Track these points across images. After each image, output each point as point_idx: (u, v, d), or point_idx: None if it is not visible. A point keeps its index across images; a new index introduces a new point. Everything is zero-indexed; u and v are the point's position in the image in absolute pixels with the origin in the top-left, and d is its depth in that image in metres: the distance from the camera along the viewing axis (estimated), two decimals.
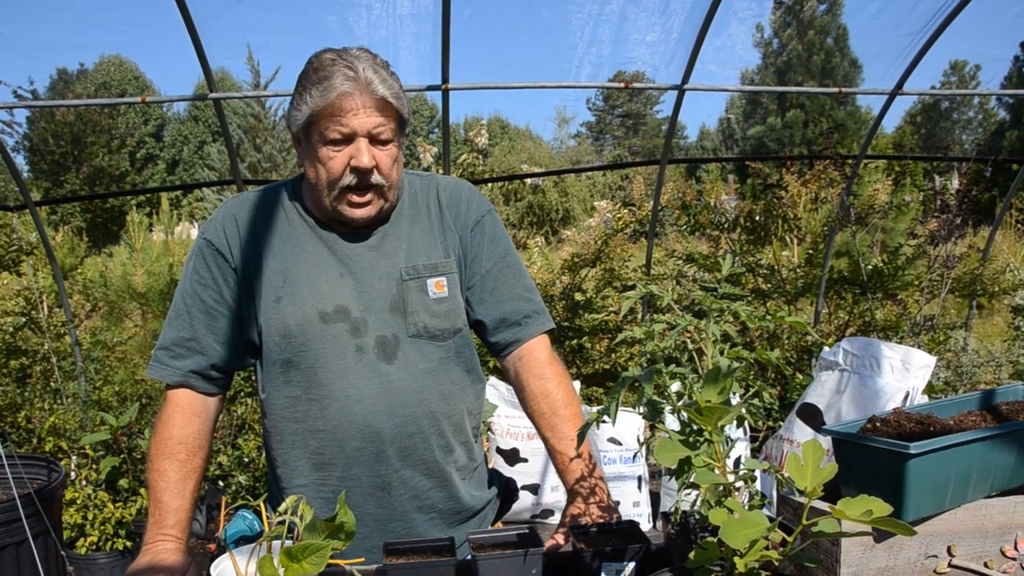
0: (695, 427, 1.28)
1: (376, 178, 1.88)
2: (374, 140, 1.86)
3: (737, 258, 6.28)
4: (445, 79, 5.13)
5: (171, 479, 1.87)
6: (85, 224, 22.89)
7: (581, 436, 1.54)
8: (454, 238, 2.05)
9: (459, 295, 2.04)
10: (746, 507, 1.23)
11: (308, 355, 1.91)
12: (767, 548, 1.19)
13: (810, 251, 6.50)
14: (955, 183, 6.71)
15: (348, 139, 1.84)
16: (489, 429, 5.29)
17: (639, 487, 5.12)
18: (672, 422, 1.45)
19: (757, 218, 6.22)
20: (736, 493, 1.30)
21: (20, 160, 30.70)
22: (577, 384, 5.34)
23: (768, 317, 1.35)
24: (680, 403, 1.37)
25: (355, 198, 1.90)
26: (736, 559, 1.16)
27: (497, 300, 2.08)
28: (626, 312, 6.09)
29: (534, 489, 5.19)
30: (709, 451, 1.25)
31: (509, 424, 5.26)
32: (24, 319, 5.92)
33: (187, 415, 1.95)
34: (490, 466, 4.52)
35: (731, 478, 1.30)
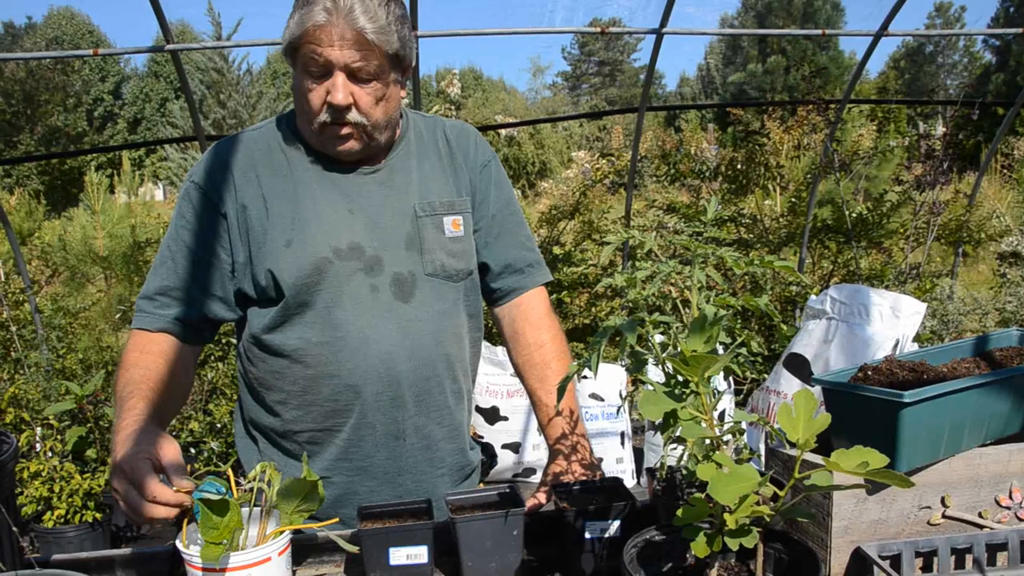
0: (680, 379, 1.21)
1: (354, 116, 1.77)
2: (354, 76, 1.75)
3: (719, 207, 6.21)
4: (414, 26, 4.97)
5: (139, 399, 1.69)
6: (43, 187, 22.38)
7: (562, 389, 1.47)
8: (465, 178, 2.00)
9: (472, 236, 1.99)
10: (735, 461, 1.16)
11: (322, 296, 1.82)
12: (758, 503, 1.13)
13: (793, 199, 6.44)
14: (940, 128, 6.65)
15: (326, 72, 1.74)
16: None
17: (622, 443, 5.10)
18: (656, 375, 1.38)
19: (739, 166, 6.14)
20: (724, 447, 1.23)
21: None
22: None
23: (756, 262, 1.27)
24: (665, 354, 1.29)
25: (335, 132, 1.80)
26: (726, 515, 1.10)
27: (503, 246, 2.04)
28: (606, 264, 6.02)
29: (515, 448, 5.15)
30: (696, 403, 1.17)
31: (489, 382, 5.20)
32: None
33: (153, 353, 1.82)
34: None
35: (718, 431, 1.23)
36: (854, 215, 6.10)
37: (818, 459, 1.45)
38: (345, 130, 1.79)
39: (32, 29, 38.94)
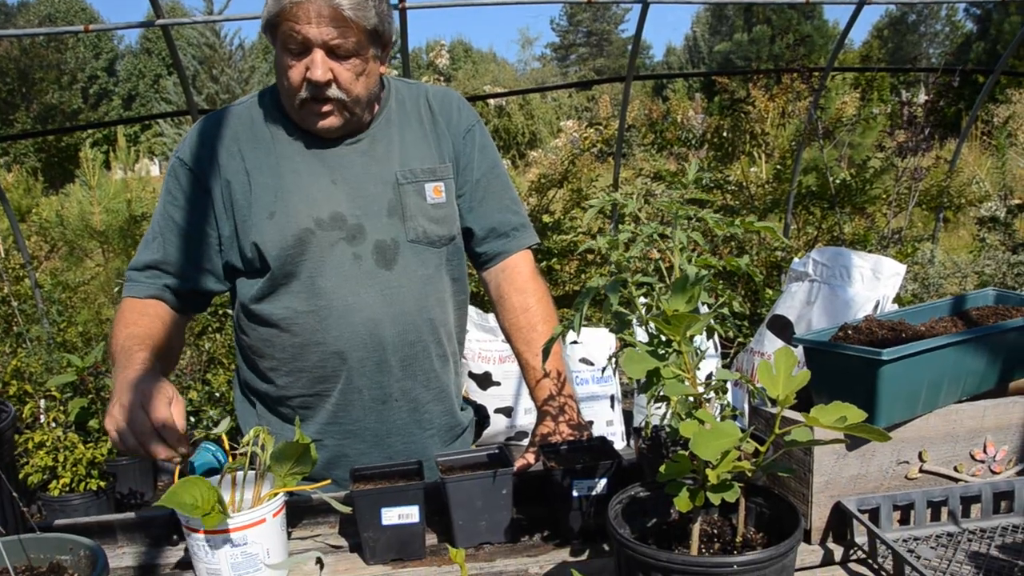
0: (664, 338, 1.24)
1: (334, 92, 1.79)
2: (333, 52, 1.76)
3: (706, 174, 6.24)
4: None
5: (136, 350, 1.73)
6: (40, 164, 22.24)
7: (547, 350, 1.50)
8: (448, 144, 2.01)
9: (455, 202, 2.01)
10: (718, 419, 1.20)
11: (305, 266, 1.86)
12: (739, 459, 1.16)
13: (778, 167, 6.47)
14: (922, 96, 6.67)
15: (305, 49, 1.76)
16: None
17: (612, 406, 5.15)
18: (642, 335, 1.41)
19: (725, 134, 6.15)
20: (707, 405, 1.27)
21: None
22: None
23: (737, 224, 1.30)
24: (648, 314, 1.33)
25: (315, 108, 1.82)
26: (708, 471, 1.13)
27: (487, 210, 2.06)
28: (594, 229, 6.04)
29: (507, 412, 5.19)
30: (678, 362, 1.21)
31: (481, 348, 5.24)
32: None
33: (148, 315, 1.85)
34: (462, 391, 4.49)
35: (702, 390, 1.27)
36: (838, 182, 6.14)
37: (798, 416, 1.50)
38: (326, 107, 1.82)
39: (25, 8, 38.51)
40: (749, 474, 1.21)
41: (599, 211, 1.39)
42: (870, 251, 5.68)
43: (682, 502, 1.15)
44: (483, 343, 5.23)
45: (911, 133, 5.36)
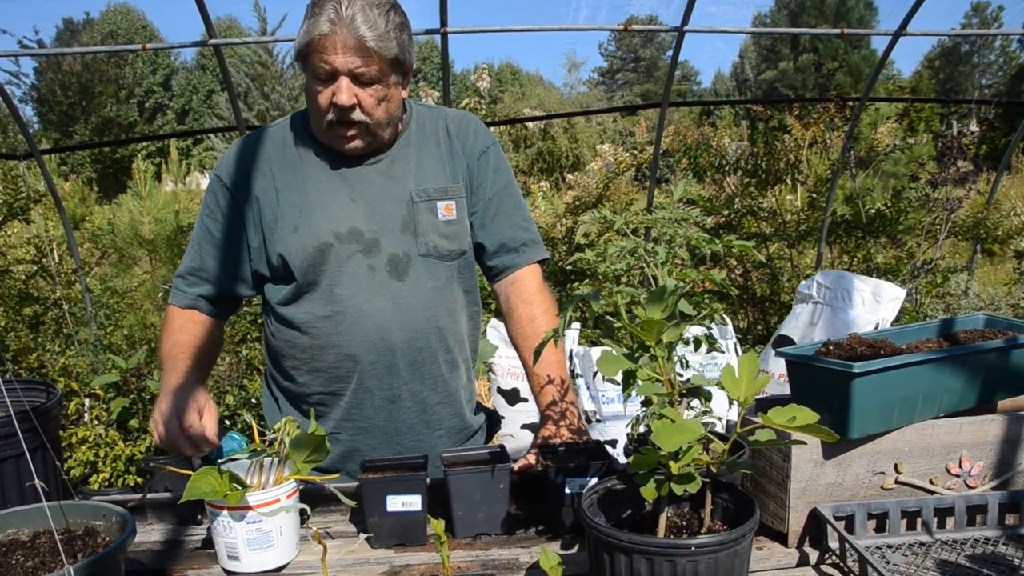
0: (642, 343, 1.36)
1: (358, 115, 1.96)
2: (357, 79, 1.94)
3: (738, 200, 6.30)
4: (444, 23, 5.14)
5: (179, 364, 2.03)
6: (95, 174, 22.92)
7: (537, 353, 1.61)
8: (462, 164, 2.17)
9: (466, 219, 2.16)
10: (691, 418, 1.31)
11: (325, 275, 2.04)
12: (703, 454, 1.27)
13: (813, 194, 6.50)
14: (973, 127, 6.65)
15: (332, 76, 1.93)
16: (490, 370, 5.38)
17: None
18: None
19: (760, 161, 6.22)
20: (680, 406, 1.38)
21: (29, 111, 30.63)
22: (577, 325, 5.43)
23: (716, 241, 1.42)
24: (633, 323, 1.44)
25: (340, 132, 2.00)
26: (671, 463, 1.24)
27: (498, 227, 2.20)
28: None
29: (534, 428, 5.25)
30: (653, 365, 1.32)
31: (510, 364, 5.33)
32: (35, 267, 6.04)
33: (189, 324, 2.12)
34: (489, 406, 4.60)
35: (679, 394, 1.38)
36: (872, 211, 6.16)
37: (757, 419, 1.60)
38: (351, 131, 2.00)
39: (89, 24, 39.79)
40: (715, 469, 1.31)
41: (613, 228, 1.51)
42: (903, 280, 5.70)
43: (648, 491, 1.27)
44: (511, 360, 5.32)
45: (944, 163, 5.38)
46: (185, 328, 2.11)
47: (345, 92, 1.92)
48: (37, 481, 1.19)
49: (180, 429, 1.80)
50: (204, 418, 1.84)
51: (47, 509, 1.34)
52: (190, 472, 1.58)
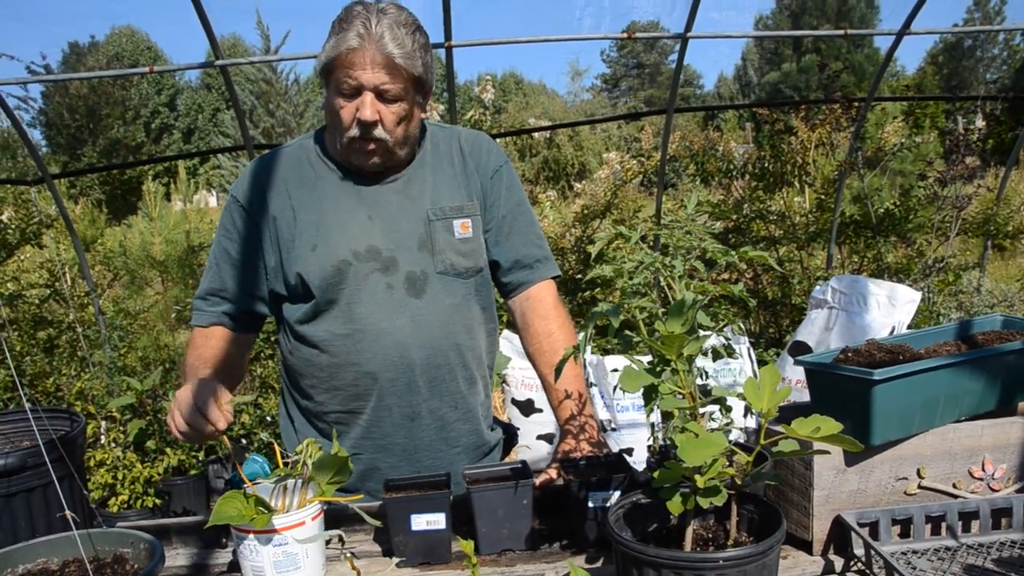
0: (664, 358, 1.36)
1: (379, 132, 1.98)
2: (381, 96, 1.96)
3: (747, 205, 6.30)
4: (448, 36, 5.17)
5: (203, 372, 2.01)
6: (104, 196, 23.10)
7: (558, 370, 1.62)
8: (476, 183, 2.19)
9: (482, 236, 2.18)
10: (713, 431, 1.31)
11: (344, 294, 2.05)
12: (728, 467, 1.27)
13: (821, 196, 6.49)
14: (979, 122, 6.64)
15: (357, 92, 1.95)
16: (504, 381, 5.39)
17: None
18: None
19: (766, 164, 6.22)
20: (704, 420, 1.38)
21: (37, 135, 30.88)
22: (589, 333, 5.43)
23: (732, 253, 1.42)
24: (652, 337, 1.44)
25: (362, 147, 2.02)
26: (696, 476, 1.25)
27: (512, 244, 2.22)
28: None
29: (549, 439, 5.29)
30: (674, 379, 1.33)
31: (523, 376, 5.35)
32: (48, 291, 6.08)
33: (213, 339, 2.13)
34: (504, 418, 4.59)
35: (701, 407, 1.38)
36: (881, 210, 6.15)
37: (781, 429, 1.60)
38: (371, 147, 2.02)
39: (95, 47, 40.14)
40: (739, 481, 1.32)
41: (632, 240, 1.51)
42: (914, 280, 5.69)
43: (675, 506, 1.27)
44: (526, 371, 5.34)
45: (953, 161, 5.37)
46: (208, 344, 2.12)
47: (369, 108, 1.94)
48: (68, 512, 1.20)
49: (196, 409, 1.75)
50: (219, 397, 1.78)
51: (76, 538, 1.36)
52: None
